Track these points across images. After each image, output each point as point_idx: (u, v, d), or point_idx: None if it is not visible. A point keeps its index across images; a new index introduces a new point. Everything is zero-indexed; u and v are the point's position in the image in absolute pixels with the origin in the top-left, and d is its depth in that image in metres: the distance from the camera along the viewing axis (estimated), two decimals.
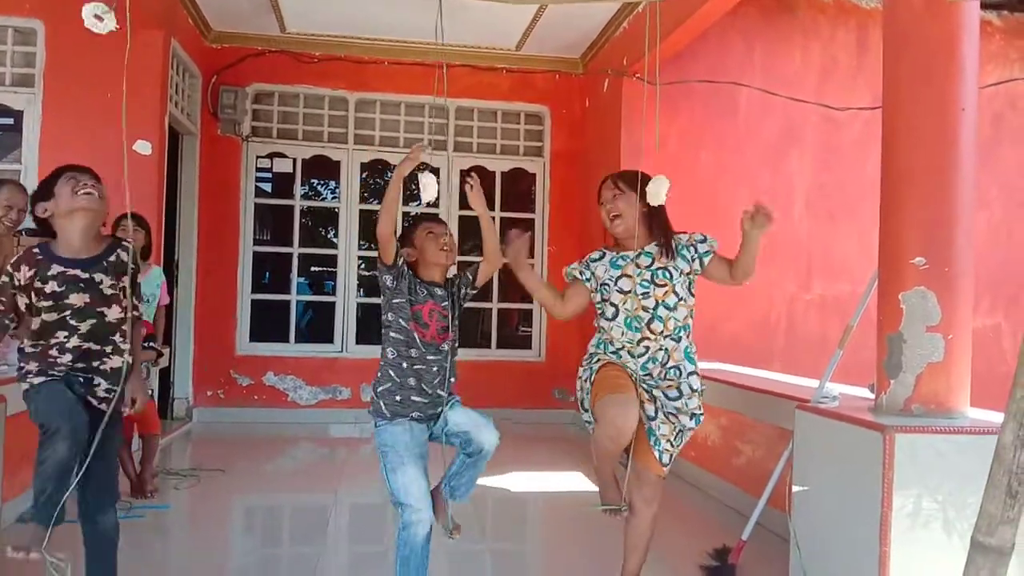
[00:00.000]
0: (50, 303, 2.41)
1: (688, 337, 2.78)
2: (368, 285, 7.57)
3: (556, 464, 5.60)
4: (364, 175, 7.63)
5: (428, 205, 2.88)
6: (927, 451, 2.71)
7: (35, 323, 2.43)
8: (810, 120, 6.71)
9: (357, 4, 6.17)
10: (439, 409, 2.66)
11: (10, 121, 7.41)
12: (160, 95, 5.57)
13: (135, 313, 2.63)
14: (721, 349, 5.80)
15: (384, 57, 7.05)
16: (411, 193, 8.62)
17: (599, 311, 2.82)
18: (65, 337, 2.41)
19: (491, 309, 7.36)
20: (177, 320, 6.61)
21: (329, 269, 10.13)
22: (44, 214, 2.47)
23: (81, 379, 2.43)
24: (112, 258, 2.50)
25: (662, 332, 2.71)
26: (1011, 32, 7.09)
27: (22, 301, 2.44)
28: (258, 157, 7.14)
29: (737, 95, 6.58)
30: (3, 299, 2.46)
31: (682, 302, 2.74)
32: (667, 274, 2.74)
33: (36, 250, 2.46)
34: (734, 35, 6.54)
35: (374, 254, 2.68)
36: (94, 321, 2.44)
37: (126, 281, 2.52)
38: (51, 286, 2.40)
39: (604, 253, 2.85)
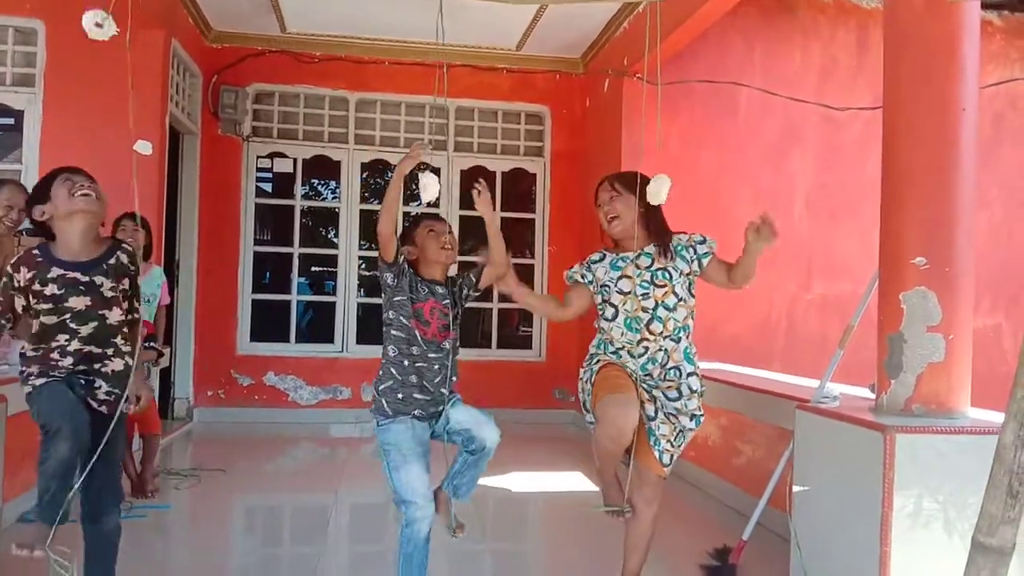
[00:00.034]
0: (50, 306, 2.39)
1: (688, 338, 2.78)
2: (369, 285, 7.57)
3: (556, 464, 5.60)
4: (364, 175, 7.63)
5: (428, 205, 2.87)
6: (928, 451, 2.71)
7: (35, 326, 2.43)
8: (811, 120, 6.71)
9: (357, 4, 6.17)
10: (440, 407, 2.67)
11: (11, 121, 7.43)
12: (161, 95, 5.57)
13: (137, 315, 2.63)
14: (722, 349, 5.80)
15: (384, 57, 7.05)
16: (412, 192, 8.61)
17: (599, 312, 2.82)
18: (66, 340, 2.40)
19: (491, 309, 7.36)
20: (178, 320, 6.62)
21: (329, 269, 10.14)
22: (42, 217, 2.45)
23: (82, 381, 2.42)
24: (112, 260, 2.49)
25: (661, 333, 2.71)
26: (1012, 32, 7.08)
27: (19, 303, 2.44)
28: (259, 157, 7.14)
29: (737, 95, 6.58)
30: (1, 300, 2.46)
31: (682, 303, 2.74)
32: (667, 275, 2.74)
33: (36, 252, 2.44)
34: (734, 35, 6.54)
35: (375, 254, 2.68)
36: (95, 324, 2.43)
37: (125, 283, 2.52)
38: (51, 289, 2.39)
39: (604, 255, 2.85)
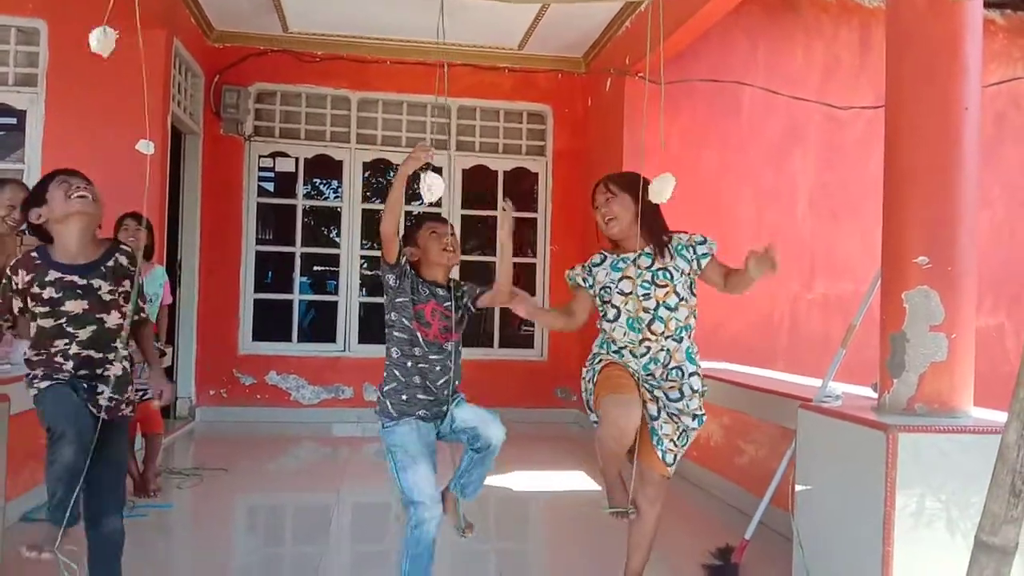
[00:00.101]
0: (47, 309, 2.38)
1: (690, 337, 2.78)
2: (370, 284, 7.57)
3: (558, 463, 5.60)
4: (366, 174, 7.65)
5: (431, 205, 2.87)
6: (930, 450, 2.71)
7: (32, 328, 2.42)
8: (813, 119, 6.70)
9: (359, 4, 6.17)
10: (445, 408, 2.67)
11: (13, 121, 7.44)
12: (163, 94, 5.58)
13: (142, 315, 2.63)
14: (724, 348, 5.80)
15: (386, 56, 7.05)
16: (413, 192, 8.61)
17: (601, 313, 2.82)
18: (65, 344, 2.39)
19: (493, 309, 7.35)
20: (180, 320, 6.62)
21: (331, 268, 10.16)
22: (39, 220, 2.44)
23: (85, 385, 2.41)
24: (111, 263, 2.47)
25: (663, 333, 2.71)
26: (1014, 31, 7.07)
27: (16, 304, 2.43)
28: (260, 156, 7.14)
29: (740, 94, 6.58)
30: (1, 301, 2.45)
31: (683, 302, 2.73)
32: (667, 275, 2.74)
33: (34, 254, 2.43)
34: (737, 34, 6.54)
35: (376, 253, 2.69)
36: (94, 328, 2.41)
37: (127, 285, 2.51)
38: (48, 292, 2.38)
39: (605, 257, 2.85)
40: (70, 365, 2.39)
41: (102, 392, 2.43)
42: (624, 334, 2.74)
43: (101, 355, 2.43)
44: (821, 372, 3.55)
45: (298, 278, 7.52)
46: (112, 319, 2.45)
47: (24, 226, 2.57)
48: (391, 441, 2.62)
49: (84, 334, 2.40)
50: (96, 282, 2.43)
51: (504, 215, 2.66)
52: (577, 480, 5.12)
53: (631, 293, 2.73)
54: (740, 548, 3.41)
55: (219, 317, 6.85)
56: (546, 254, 7.40)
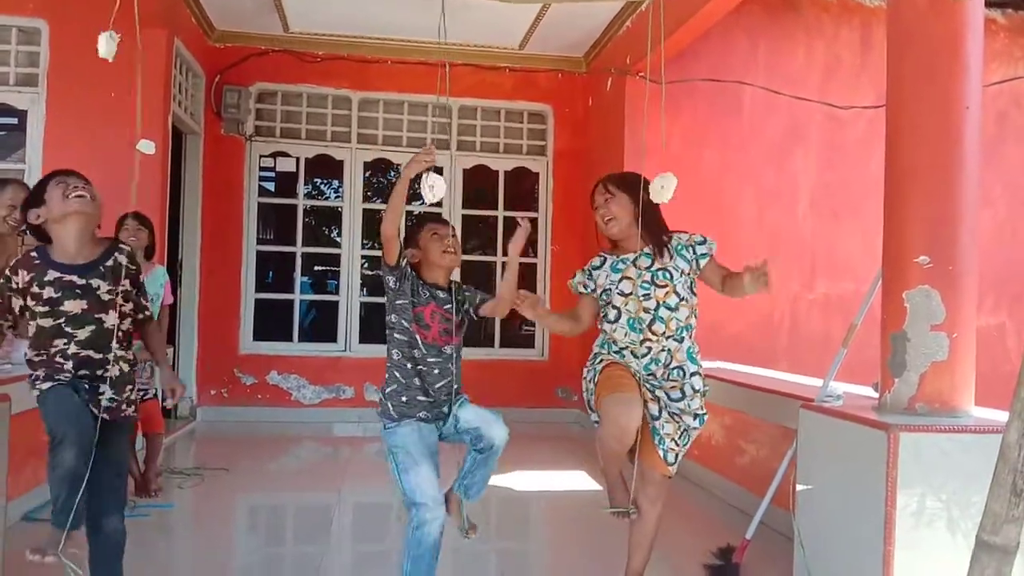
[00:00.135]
0: (46, 309, 2.38)
1: (691, 337, 2.77)
2: (371, 284, 7.57)
3: (559, 463, 5.60)
4: (367, 174, 7.65)
5: (432, 205, 2.87)
6: (931, 450, 2.71)
7: (32, 328, 2.42)
8: (814, 118, 6.70)
9: (360, 4, 6.17)
10: (446, 409, 2.67)
11: (14, 121, 7.44)
12: (164, 94, 5.58)
13: (147, 312, 2.63)
14: (724, 348, 5.80)
15: (387, 56, 7.05)
16: (413, 192, 8.61)
17: (602, 314, 2.82)
18: (64, 344, 2.39)
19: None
20: (181, 319, 6.63)
21: (332, 268, 10.17)
22: (37, 220, 2.44)
23: (86, 386, 2.41)
24: (110, 262, 2.47)
25: (664, 333, 2.71)
26: (1015, 30, 7.07)
27: (17, 304, 2.43)
28: (261, 156, 7.15)
29: (741, 94, 6.58)
30: (0, 301, 2.46)
31: (683, 302, 2.73)
32: (667, 275, 2.73)
33: (34, 254, 2.43)
34: (738, 33, 6.54)
35: (377, 253, 2.69)
36: (92, 328, 2.41)
37: (126, 284, 2.50)
38: (48, 292, 2.38)
39: (604, 259, 2.85)
40: (70, 365, 2.39)
41: (103, 393, 2.42)
42: (625, 335, 2.74)
43: (101, 355, 2.42)
44: (822, 372, 3.55)
45: (299, 278, 7.53)
46: (111, 319, 2.44)
47: (24, 226, 2.57)
48: (392, 442, 2.62)
49: (83, 334, 2.40)
50: (95, 282, 2.43)
51: (519, 231, 2.64)
52: (578, 480, 5.12)
53: (631, 294, 2.73)
54: (741, 548, 3.40)
55: (220, 317, 6.85)
56: (547, 254, 7.40)
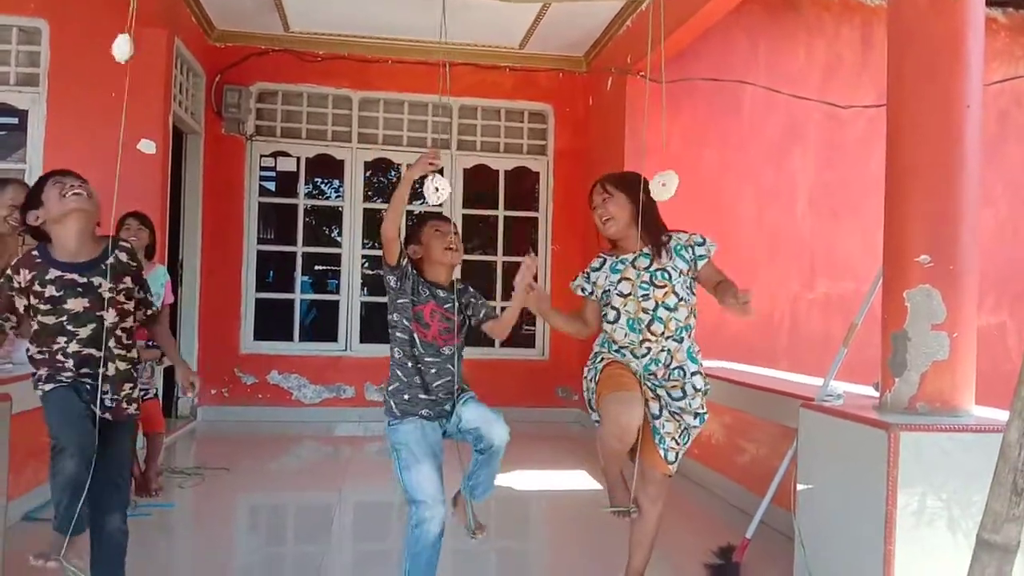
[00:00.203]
0: (49, 307, 2.38)
1: (690, 337, 2.77)
2: (372, 284, 7.58)
3: (560, 462, 5.60)
4: (368, 174, 7.65)
5: (434, 205, 2.88)
6: (932, 449, 2.71)
7: (34, 326, 2.43)
8: (814, 118, 6.70)
9: (360, 3, 6.17)
10: (448, 407, 2.67)
11: (15, 120, 7.44)
12: (164, 94, 5.58)
13: (151, 310, 2.63)
14: (724, 348, 5.80)
15: (388, 56, 7.05)
16: (414, 193, 8.61)
17: (603, 314, 2.82)
18: (66, 342, 2.39)
19: (495, 308, 7.34)
20: (181, 319, 6.63)
21: (333, 268, 10.17)
22: (36, 222, 2.44)
23: (88, 386, 2.41)
24: (110, 260, 2.47)
25: (663, 333, 2.71)
26: (1016, 29, 7.07)
27: (21, 303, 2.43)
28: (262, 156, 7.15)
29: (741, 93, 6.58)
30: (0, 300, 2.46)
31: (683, 302, 2.73)
32: (666, 275, 2.73)
33: (35, 253, 2.43)
34: (738, 33, 6.54)
35: (378, 253, 2.69)
36: (94, 326, 2.41)
37: (127, 281, 2.51)
38: (49, 290, 2.38)
39: (604, 260, 2.85)
40: (71, 363, 2.39)
41: (105, 392, 2.42)
42: (624, 335, 2.74)
43: (102, 353, 2.43)
44: (822, 371, 3.55)
45: (299, 277, 7.53)
46: (112, 316, 2.44)
47: (23, 227, 2.57)
48: (395, 439, 2.63)
49: (85, 332, 2.40)
50: (96, 280, 2.43)
51: (526, 268, 2.64)
52: (578, 479, 5.12)
53: (630, 294, 2.73)
54: (741, 547, 3.40)
55: (220, 316, 6.86)
56: (547, 254, 7.40)
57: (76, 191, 2.42)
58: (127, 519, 2.54)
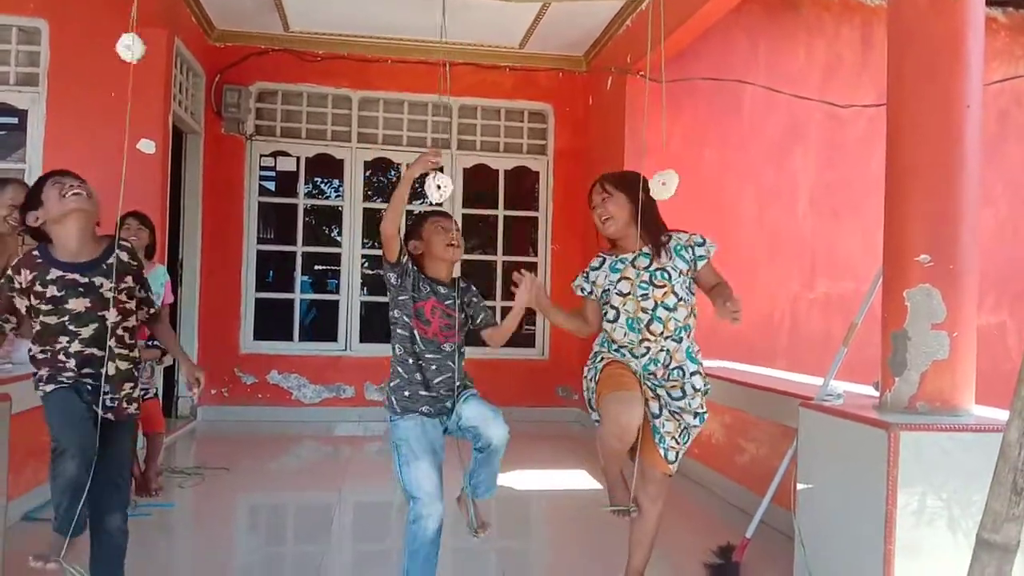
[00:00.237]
0: (50, 307, 2.39)
1: (689, 337, 2.77)
2: (372, 283, 7.58)
3: (560, 462, 5.60)
4: (368, 173, 7.65)
5: (436, 204, 2.88)
6: (932, 449, 2.71)
7: (36, 326, 2.43)
8: (814, 117, 6.70)
9: (360, 3, 6.17)
10: (449, 404, 2.67)
11: (14, 120, 7.44)
12: (164, 94, 5.58)
13: (153, 309, 2.64)
14: (724, 347, 5.79)
15: (387, 55, 7.05)
16: (415, 192, 8.61)
17: (602, 313, 2.82)
18: (67, 342, 2.39)
19: (495, 308, 7.36)
20: (181, 319, 6.63)
21: (333, 268, 10.18)
22: (36, 223, 2.44)
23: (89, 387, 2.41)
24: (111, 260, 2.47)
25: (662, 333, 2.71)
26: (1016, 29, 7.07)
27: (22, 304, 2.43)
28: (262, 156, 7.15)
29: (741, 93, 6.57)
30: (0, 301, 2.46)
31: (682, 302, 2.73)
32: (666, 275, 2.73)
33: (35, 253, 2.43)
34: (738, 32, 6.53)
35: (378, 252, 2.69)
36: (96, 326, 2.41)
37: (128, 281, 2.51)
38: (51, 290, 2.38)
39: (604, 259, 2.85)
40: (73, 363, 2.39)
41: (107, 391, 2.43)
42: (624, 334, 2.74)
43: (103, 353, 2.42)
44: (822, 371, 3.55)
45: (299, 277, 7.53)
46: (113, 316, 2.45)
47: (23, 227, 2.56)
48: (395, 435, 2.65)
49: (87, 332, 2.40)
50: (98, 279, 2.43)
51: (528, 287, 2.65)
52: (579, 479, 5.12)
53: (629, 294, 2.73)
54: (741, 546, 3.40)
55: (220, 316, 6.86)
56: (547, 253, 7.40)
57: (76, 191, 2.42)
58: (127, 519, 2.54)
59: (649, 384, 2.72)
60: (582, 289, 2.87)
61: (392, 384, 2.69)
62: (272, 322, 7.38)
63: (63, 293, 2.39)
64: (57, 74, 5.48)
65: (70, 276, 2.41)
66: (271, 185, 10.43)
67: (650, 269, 2.74)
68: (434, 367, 2.65)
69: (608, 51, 6.72)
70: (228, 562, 3.56)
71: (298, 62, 6.97)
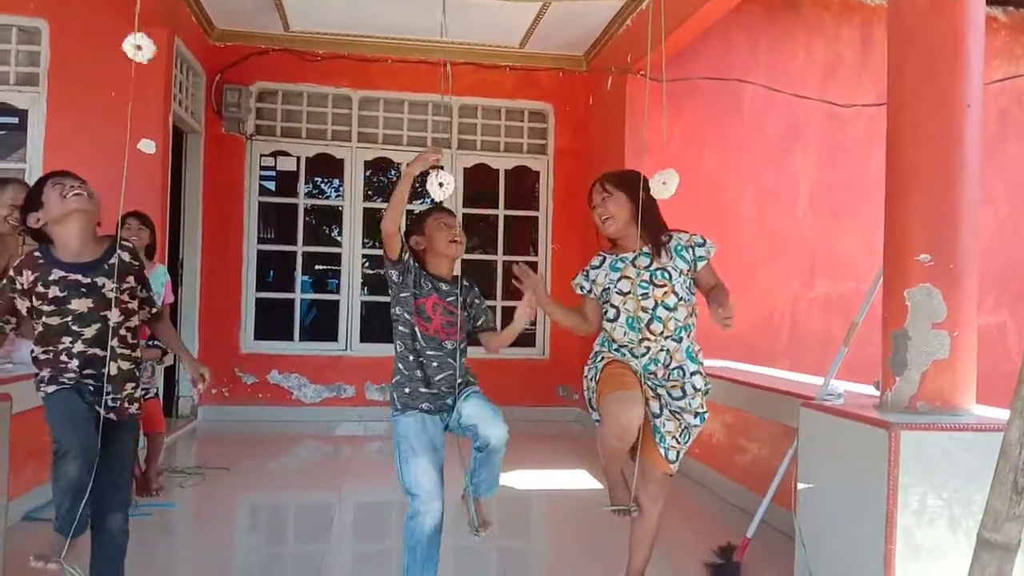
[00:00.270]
0: (53, 308, 2.39)
1: (690, 337, 2.77)
2: (372, 283, 7.58)
3: (560, 462, 5.60)
4: (368, 173, 7.65)
5: (437, 201, 2.88)
6: (932, 448, 2.71)
7: (38, 327, 2.43)
8: (814, 117, 6.70)
9: (360, 3, 6.17)
10: (450, 401, 2.68)
11: (15, 120, 7.44)
12: (164, 94, 5.58)
13: (156, 309, 2.64)
14: (724, 347, 5.78)
15: (388, 55, 7.05)
16: (416, 192, 8.61)
17: (603, 312, 2.82)
18: (70, 342, 2.39)
19: (496, 307, 7.36)
20: (181, 319, 6.63)
21: (333, 267, 10.17)
22: (37, 224, 2.45)
23: (91, 387, 2.41)
24: (113, 260, 2.47)
25: (662, 333, 2.71)
26: (1017, 28, 7.07)
27: (23, 305, 2.43)
28: (262, 155, 7.15)
29: (741, 92, 6.57)
30: (0, 302, 2.45)
31: (682, 302, 2.73)
32: (666, 275, 2.73)
33: (37, 254, 2.43)
34: (738, 32, 6.53)
35: (378, 252, 2.69)
36: (98, 326, 2.41)
37: (130, 281, 2.51)
38: (53, 291, 2.38)
39: (604, 258, 2.85)
40: (75, 364, 2.39)
41: (109, 392, 2.43)
42: (624, 334, 2.74)
43: (105, 353, 2.42)
44: (822, 371, 3.55)
45: (300, 277, 7.53)
46: (115, 316, 2.45)
47: (23, 228, 2.56)
48: (397, 431, 2.67)
49: (89, 332, 2.41)
50: (100, 280, 2.44)
51: (528, 300, 2.64)
52: (579, 479, 5.12)
53: (629, 293, 2.73)
54: (742, 546, 3.40)
55: (221, 316, 6.86)
56: (547, 253, 7.40)
57: (77, 191, 2.42)
58: (128, 519, 2.54)
59: (649, 384, 2.72)
60: (581, 287, 2.87)
61: (394, 380, 2.71)
62: (272, 322, 7.38)
63: (66, 294, 2.39)
64: (57, 74, 5.48)
65: (72, 277, 2.41)
66: (271, 185, 10.43)
67: (650, 268, 2.74)
68: (435, 364, 2.66)
69: (608, 51, 6.72)
70: (228, 562, 3.57)
71: (298, 62, 6.97)
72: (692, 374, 2.75)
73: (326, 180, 13.09)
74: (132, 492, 3.25)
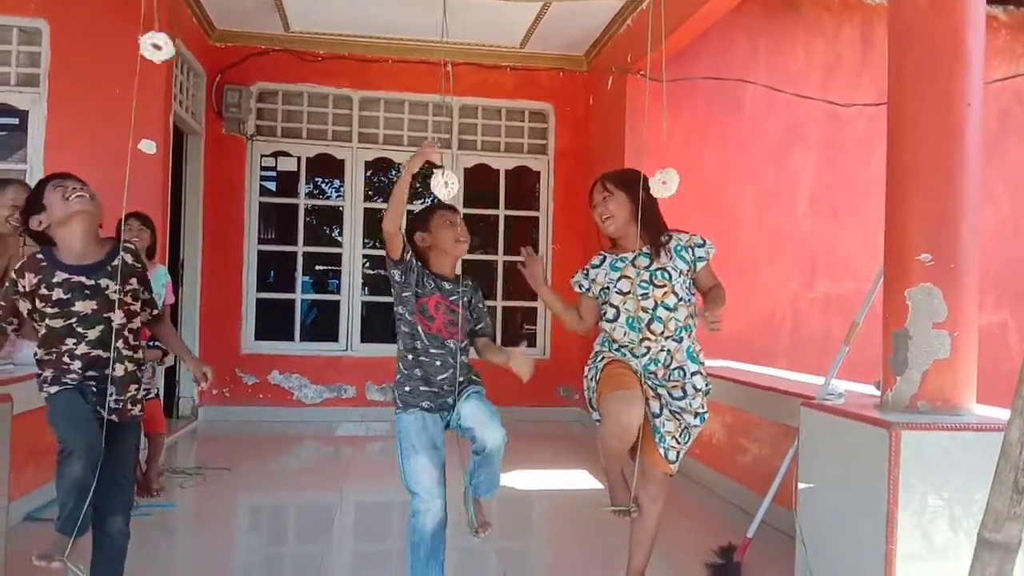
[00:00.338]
0: (56, 310, 2.39)
1: (690, 337, 2.77)
2: (373, 283, 7.58)
3: (561, 462, 5.60)
4: (368, 173, 7.64)
5: (442, 199, 2.89)
6: (933, 448, 2.71)
7: (41, 329, 2.43)
8: (814, 117, 6.70)
9: (360, 3, 6.17)
10: (450, 399, 2.68)
11: (15, 121, 7.44)
12: (164, 94, 5.58)
13: (157, 311, 2.64)
14: (725, 346, 5.78)
15: (388, 55, 7.05)
16: (416, 191, 8.61)
17: (602, 313, 2.82)
18: (74, 344, 2.40)
19: (496, 307, 7.36)
20: (182, 319, 6.63)
21: (334, 268, 10.16)
22: (40, 227, 2.45)
23: (94, 388, 2.41)
24: (116, 262, 2.48)
25: (662, 333, 2.71)
26: (1017, 27, 7.06)
27: (24, 306, 2.43)
28: (262, 156, 7.15)
29: (741, 92, 6.57)
30: (2, 304, 2.45)
31: (682, 303, 2.73)
32: (666, 275, 2.73)
33: (40, 256, 2.43)
34: (738, 32, 6.53)
35: (379, 252, 2.70)
36: (102, 328, 2.42)
37: (133, 282, 2.52)
38: (57, 293, 2.39)
39: (604, 258, 2.85)
40: (78, 365, 2.40)
41: (111, 394, 2.43)
42: (624, 334, 2.74)
43: (108, 355, 2.43)
44: (823, 370, 3.55)
45: (300, 277, 7.53)
46: (119, 318, 2.45)
47: (24, 229, 2.56)
48: (399, 429, 2.68)
49: (93, 334, 2.41)
50: (103, 281, 2.44)
51: (523, 364, 2.67)
52: (579, 479, 5.12)
53: (629, 293, 2.73)
54: (742, 546, 3.40)
55: (221, 317, 6.86)
56: (548, 253, 7.40)
57: (79, 193, 2.43)
58: (130, 521, 2.54)
59: (650, 384, 2.72)
60: (580, 285, 2.87)
61: (397, 378, 2.72)
62: (273, 322, 7.38)
63: (69, 295, 2.39)
64: (58, 74, 5.47)
65: (76, 278, 2.41)
66: (272, 185, 10.43)
67: (650, 269, 2.74)
68: (438, 363, 2.66)
69: (608, 51, 6.72)
70: (229, 562, 3.57)
71: (299, 62, 6.97)
72: (693, 374, 2.75)
73: (327, 180, 13.08)
74: (133, 493, 3.25)
